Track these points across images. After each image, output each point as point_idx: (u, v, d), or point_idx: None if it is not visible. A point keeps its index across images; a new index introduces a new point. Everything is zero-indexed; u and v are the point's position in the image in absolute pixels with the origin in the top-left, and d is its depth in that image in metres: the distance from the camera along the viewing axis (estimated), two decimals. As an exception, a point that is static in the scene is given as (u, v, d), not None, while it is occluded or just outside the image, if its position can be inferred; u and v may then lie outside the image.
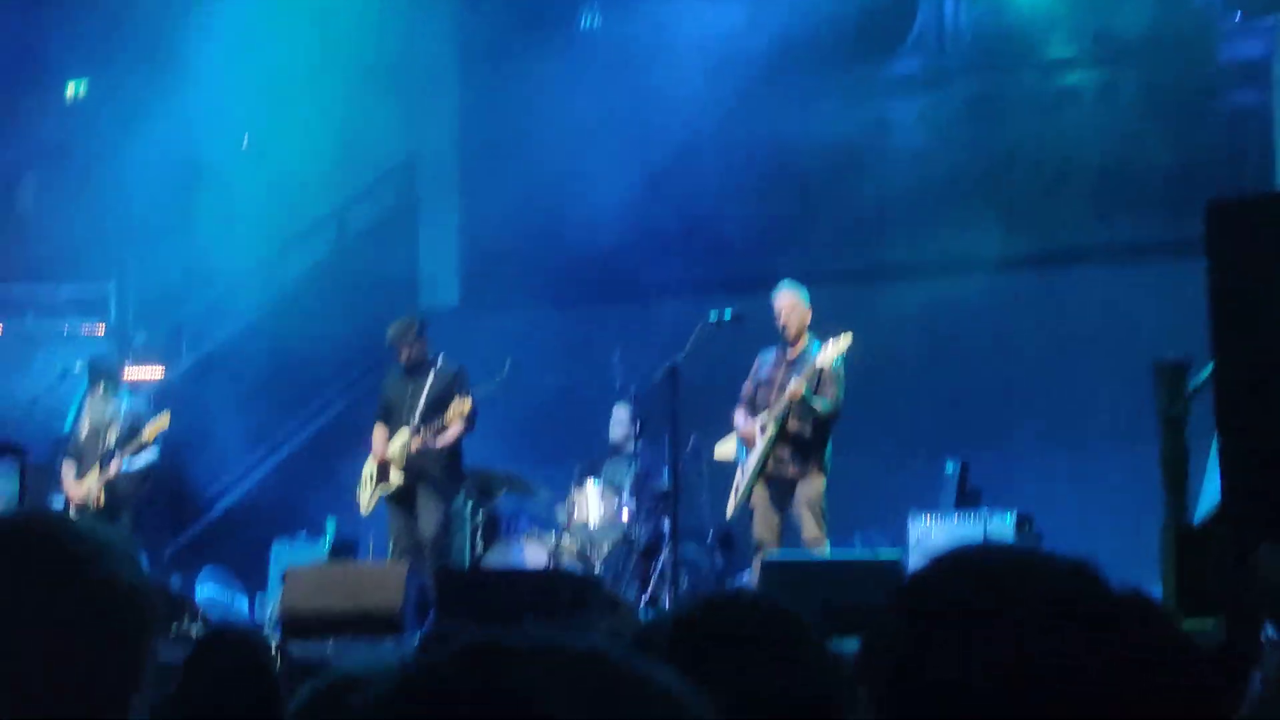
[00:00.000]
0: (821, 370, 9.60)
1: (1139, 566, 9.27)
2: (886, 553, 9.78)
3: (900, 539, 10.71)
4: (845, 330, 9.67)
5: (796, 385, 9.54)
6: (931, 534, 10.70)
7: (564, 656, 1.14)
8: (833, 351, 9.59)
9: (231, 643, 4.41)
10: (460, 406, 10.62)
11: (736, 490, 9.87)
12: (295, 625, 9.26)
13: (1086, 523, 10.93)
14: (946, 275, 12.95)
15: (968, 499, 11.48)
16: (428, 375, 10.84)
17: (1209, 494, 8.87)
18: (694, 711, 1.16)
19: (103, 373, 11.56)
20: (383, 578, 9.59)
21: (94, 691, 1.66)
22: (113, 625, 1.70)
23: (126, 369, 12.63)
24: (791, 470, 9.70)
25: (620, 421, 11.90)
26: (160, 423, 11.19)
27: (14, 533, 1.78)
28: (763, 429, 9.72)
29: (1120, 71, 13.16)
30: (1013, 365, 12.65)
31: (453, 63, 15.44)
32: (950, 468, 11.69)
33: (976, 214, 13.08)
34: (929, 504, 11.19)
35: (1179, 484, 8.53)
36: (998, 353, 12.64)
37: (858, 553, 10.46)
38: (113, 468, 11.07)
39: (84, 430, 11.33)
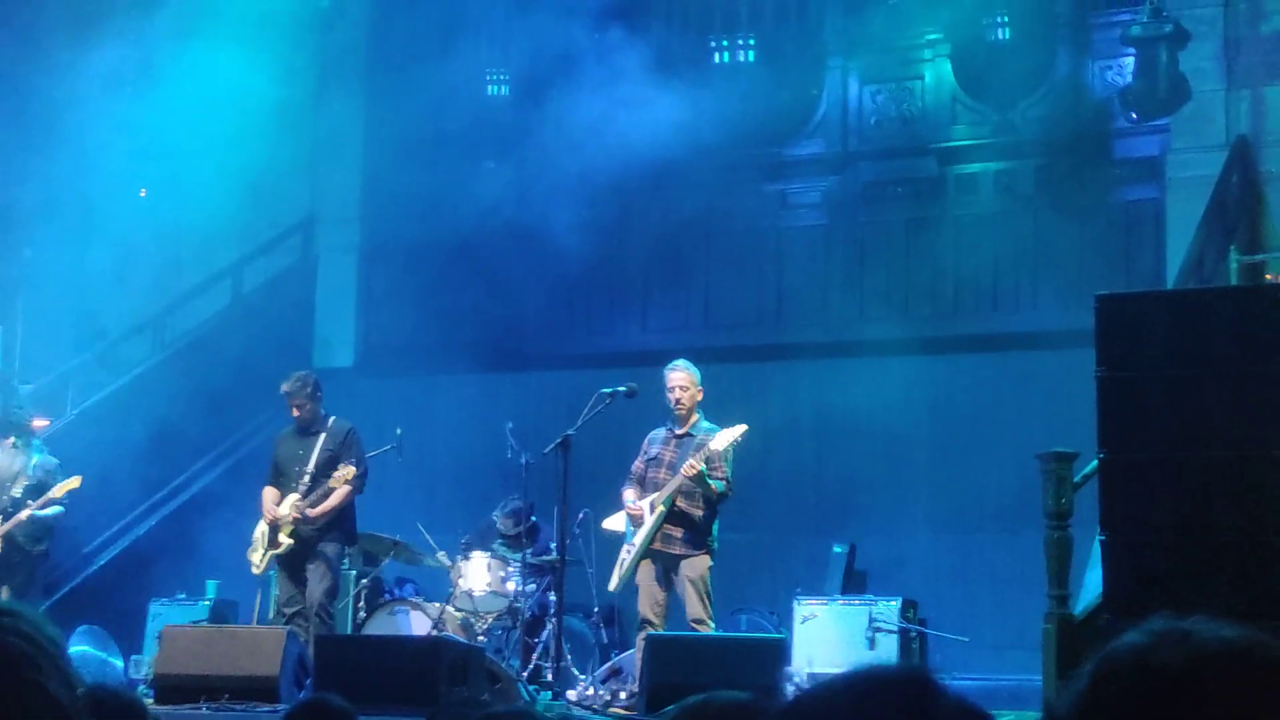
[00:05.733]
0: (713, 453, 9.59)
1: (1024, 654, 9.34)
2: (770, 634, 9.76)
3: (786, 621, 10.69)
4: (738, 417, 9.68)
5: (695, 462, 9.52)
6: (817, 616, 10.70)
7: None
8: (727, 439, 9.59)
9: (106, 703, 4.29)
10: (345, 472, 10.49)
11: (621, 565, 9.82)
12: (170, 687, 9.08)
13: (972, 610, 10.99)
14: (841, 357, 13.04)
15: (854, 583, 11.50)
16: (319, 436, 10.71)
17: (1091, 585, 8.95)
18: None
19: (14, 425, 11.46)
20: (261, 643, 9.42)
21: None
22: None
23: (35, 422, 12.39)
24: (678, 548, 9.66)
25: (502, 525, 11.84)
26: (72, 483, 11.22)
27: None
28: (652, 507, 9.69)
29: (1019, 163, 13.36)
30: (904, 450, 12.73)
31: (358, 122, 15.38)
32: (837, 550, 11.71)
33: (873, 297, 13.19)
34: (815, 587, 11.19)
35: (1062, 575, 8.59)
36: (889, 437, 12.71)
37: (741, 633, 10.43)
38: (21, 516, 10.98)
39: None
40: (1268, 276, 10.48)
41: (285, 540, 10.54)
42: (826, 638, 10.50)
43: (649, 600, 9.70)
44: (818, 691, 1.82)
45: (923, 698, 1.72)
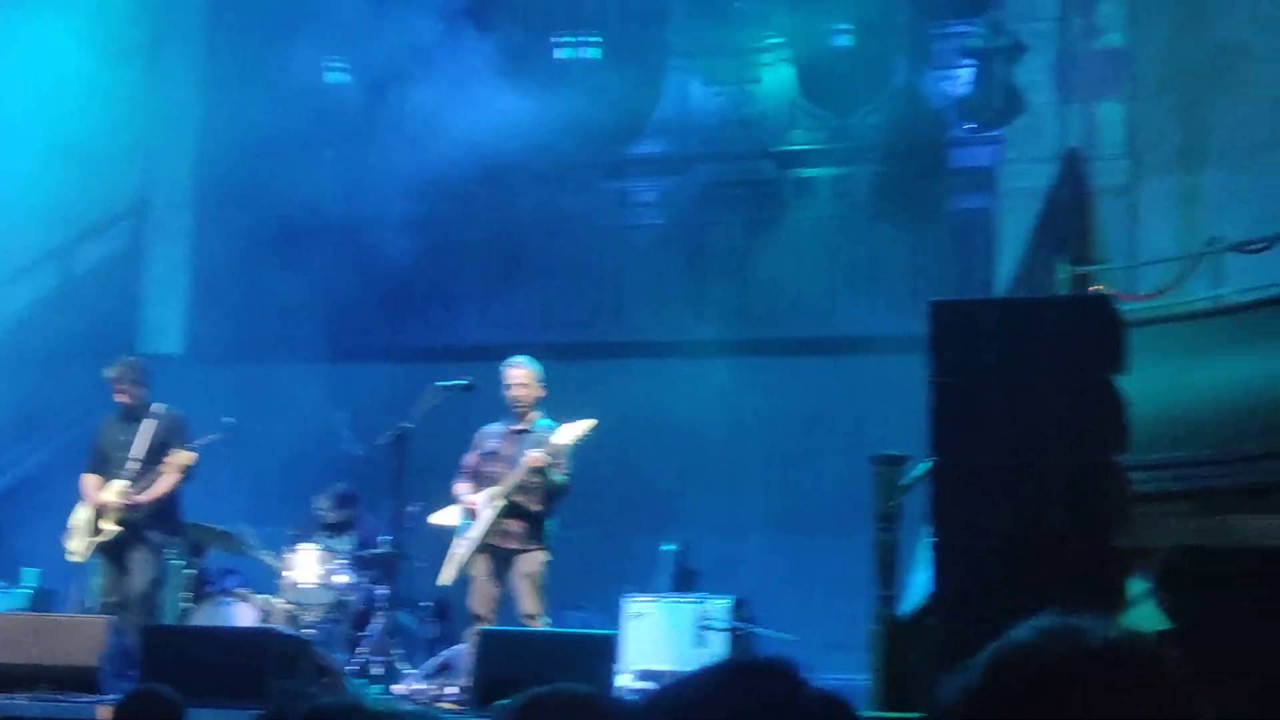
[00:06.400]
0: (557, 447, 9.57)
1: (851, 654, 9.45)
2: (600, 630, 9.78)
3: (616, 618, 10.71)
4: (583, 411, 9.66)
5: (538, 454, 9.49)
6: (647, 614, 10.73)
7: None
8: (573, 434, 9.56)
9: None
10: (176, 459, 10.33)
11: (455, 559, 9.76)
12: (-14, 677, 8.86)
13: (803, 609, 11.10)
14: (678, 357, 13.08)
15: (685, 581, 11.56)
16: (147, 423, 10.53)
17: (917, 587, 9.09)
18: None
19: None
20: (82, 632, 9.23)
21: None
22: None
23: None
24: (514, 543, 9.64)
25: (325, 509, 11.72)
26: None
27: None
28: (491, 500, 9.65)
29: (856, 169, 13.53)
30: (738, 450, 12.81)
31: (194, 104, 15.10)
32: (667, 549, 11.75)
33: (710, 298, 13.27)
34: (646, 585, 11.22)
35: (889, 577, 8.72)
36: (724, 437, 12.78)
37: (574, 628, 10.42)
38: None
39: None
40: (1094, 287, 10.68)
41: (110, 528, 10.35)
42: (656, 635, 10.54)
43: (482, 595, 9.67)
44: (682, 684, 1.83)
45: (787, 689, 1.74)
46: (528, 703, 2.35)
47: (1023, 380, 7.55)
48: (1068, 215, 11.70)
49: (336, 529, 11.60)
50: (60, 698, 8.56)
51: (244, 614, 10.74)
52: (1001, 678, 1.81)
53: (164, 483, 10.38)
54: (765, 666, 1.79)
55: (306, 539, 11.30)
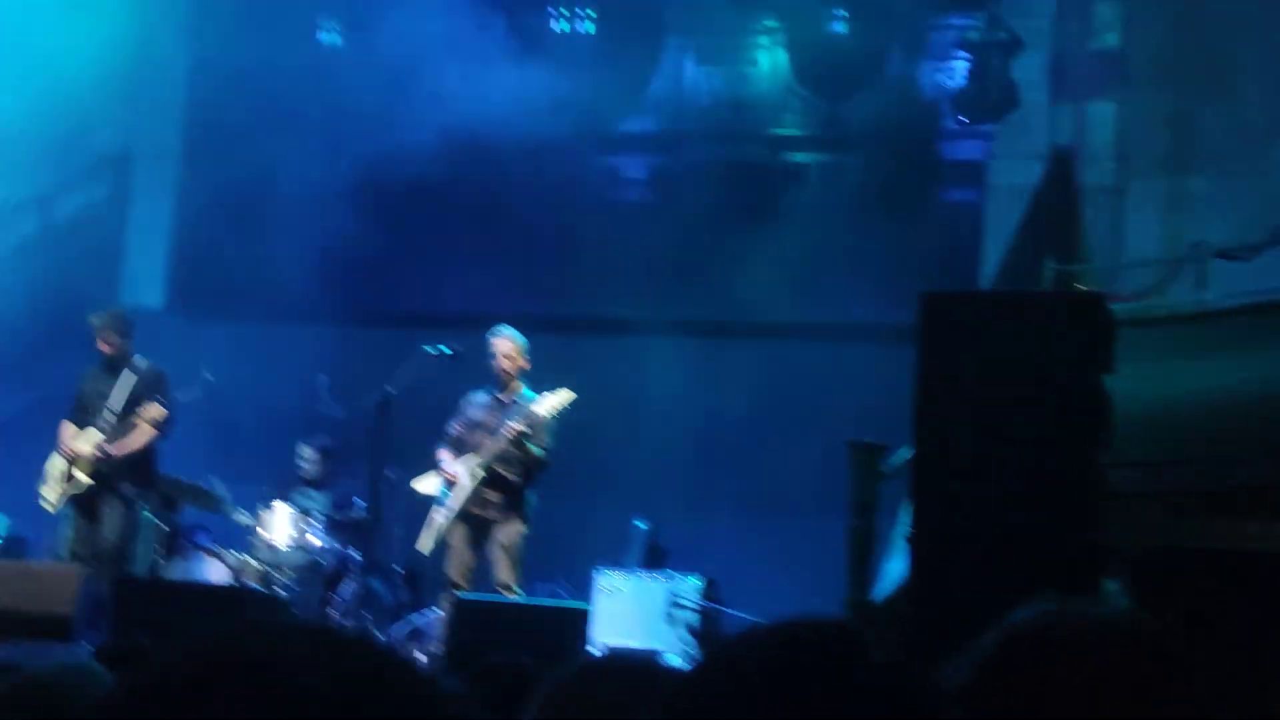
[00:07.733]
0: (537, 418, 9.60)
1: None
2: (575, 603, 9.82)
3: (586, 593, 10.74)
4: (562, 384, 9.69)
5: (518, 425, 9.52)
6: (617, 589, 10.76)
7: (329, 638, 1.22)
8: (552, 404, 9.59)
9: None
10: (150, 412, 10.32)
11: (433, 527, 9.78)
12: (-43, 622, 8.84)
13: (772, 591, 11.13)
14: (659, 335, 13.08)
15: (655, 558, 11.59)
16: (127, 375, 10.52)
17: (891, 574, 9.14)
18: (457, 706, 1.24)
19: None
20: (55, 580, 9.24)
21: None
22: None
23: None
24: (493, 513, 9.67)
25: (308, 459, 11.72)
26: None
27: None
28: (471, 469, 9.67)
29: (846, 156, 13.54)
30: (715, 431, 12.81)
31: (181, 57, 14.97)
32: (640, 525, 11.78)
33: (696, 278, 13.26)
34: (617, 561, 11.26)
35: (864, 561, 8.76)
36: (702, 416, 12.79)
37: (548, 599, 10.46)
38: None
39: None
40: (1077, 286, 10.73)
41: (83, 478, 10.33)
42: (626, 611, 10.57)
43: (458, 563, 9.70)
44: (734, 646, 1.79)
45: (849, 655, 1.70)
46: (585, 671, 2.33)
47: (1011, 375, 7.58)
48: (1054, 213, 11.76)
49: (314, 484, 11.58)
50: (34, 644, 8.53)
51: (216, 570, 10.74)
52: (1016, 654, 1.85)
53: (136, 437, 10.37)
54: (825, 629, 1.73)
55: (283, 496, 11.29)
